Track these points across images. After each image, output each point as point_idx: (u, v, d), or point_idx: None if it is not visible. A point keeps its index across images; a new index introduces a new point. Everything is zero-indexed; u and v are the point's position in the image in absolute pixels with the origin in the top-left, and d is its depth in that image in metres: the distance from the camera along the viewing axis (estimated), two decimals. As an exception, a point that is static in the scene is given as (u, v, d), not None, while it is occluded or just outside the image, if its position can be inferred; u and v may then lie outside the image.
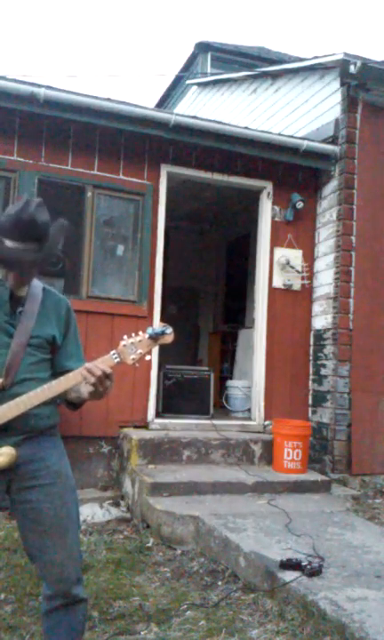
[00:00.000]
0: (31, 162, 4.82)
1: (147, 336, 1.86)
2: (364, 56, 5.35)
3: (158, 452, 4.65)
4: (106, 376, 1.83)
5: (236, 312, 7.94)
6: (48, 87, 4.56)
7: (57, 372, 2.02)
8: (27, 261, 1.89)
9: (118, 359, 1.86)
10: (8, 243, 1.86)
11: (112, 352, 1.87)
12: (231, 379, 6.55)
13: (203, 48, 9.33)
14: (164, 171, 5.26)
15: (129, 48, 38.93)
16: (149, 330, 1.87)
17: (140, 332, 1.88)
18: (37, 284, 2.08)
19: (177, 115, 5.09)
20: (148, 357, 1.88)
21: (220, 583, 3.16)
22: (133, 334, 1.88)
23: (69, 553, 1.95)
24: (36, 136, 4.84)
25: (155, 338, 1.86)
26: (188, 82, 9.49)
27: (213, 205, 7.49)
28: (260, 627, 2.65)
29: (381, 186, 5.48)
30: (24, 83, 4.56)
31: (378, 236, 5.44)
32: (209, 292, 9.01)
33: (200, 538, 3.63)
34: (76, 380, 1.85)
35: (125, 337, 1.89)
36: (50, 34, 39.22)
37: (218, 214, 8.07)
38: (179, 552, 3.61)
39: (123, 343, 1.88)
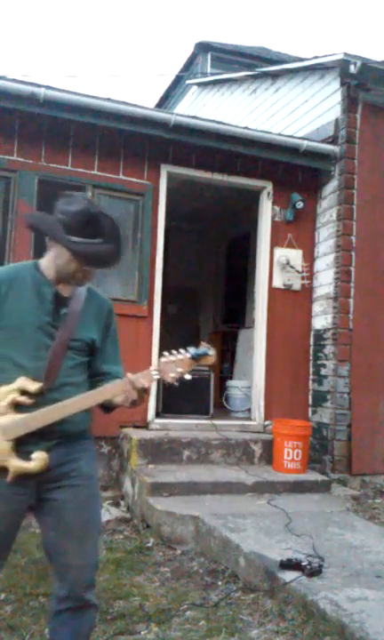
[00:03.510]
0: (31, 162, 4.82)
1: (189, 356, 1.83)
2: (364, 56, 5.35)
3: (158, 451, 4.65)
4: (144, 390, 1.84)
5: (236, 312, 7.94)
6: (48, 87, 4.56)
7: (94, 375, 2.00)
8: (109, 257, 1.87)
9: (158, 376, 1.84)
10: (78, 239, 1.81)
11: (152, 368, 1.84)
12: (231, 379, 6.55)
13: (203, 48, 9.33)
14: (164, 171, 5.26)
15: (129, 48, 38.93)
16: (192, 350, 1.84)
17: (182, 351, 1.85)
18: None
19: (177, 115, 5.09)
20: (187, 377, 1.84)
21: (219, 583, 3.16)
22: (175, 352, 1.85)
23: (88, 558, 1.93)
24: (36, 136, 4.84)
25: (196, 358, 1.84)
26: (187, 82, 9.49)
27: (213, 205, 7.48)
28: (259, 627, 2.65)
29: (381, 186, 5.48)
30: (24, 83, 4.56)
31: (378, 235, 5.44)
32: (209, 292, 9.01)
33: (200, 538, 3.63)
34: (115, 392, 1.84)
35: (166, 353, 1.85)
36: (50, 34, 39.21)
37: (218, 214, 8.07)
38: (179, 552, 3.61)
39: (163, 360, 1.85)
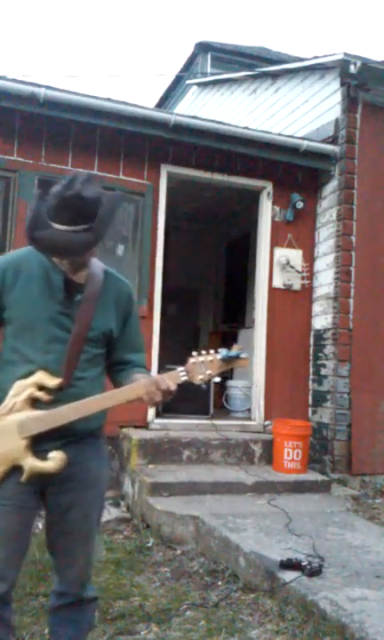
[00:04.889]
0: (31, 162, 4.82)
1: (219, 357, 1.73)
2: (364, 56, 5.35)
3: (158, 451, 4.65)
4: (169, 392, 1.72)
5: (236, 312, 7.94)
6: (48, 87, 4.56)
7: (115, 363, 1.91)
8: (77, 246, 1.68)
9: (186, 377, 1.74)
10: (56, 226, 1.66)
11: (180, 369, 1.74)
12: (231, 378, 6.55)
13: (203, 48, 9.34)
14: (164, 171, 5.26)
15: (129, 48, 38.94)
16: (223, 352, 1.74)
17: (212, 352, 1.75)
18: (98, 267, 1.89)
19: (177, 115, 5.09)
20: (216, 379, 1.78)
21: (220, 583, 3.16)
22: (204, 352, 1.75)
23: (89, 558, 1.93)
24: (36, 136, 4.84)
25: (227, 361, 1.73)
26: (187, 82, 9.49)
27: (213, 205, 7.49)
28: (259, 627, 2.65)
29: (381, 186, 5.48)
30: (24, 83, 4.56)
31: (378, 235, 5.44)
32: (209, 292, 9.01)
33: (200, 538, 3.63)
34: (139, 392, 1.72)
35: (195, 353, 1.75)
36: (50, 34, 39.21)
37: (218, 214, 8.07)
38: (179, 552, 3.61)
39: (192, 360, 1.74)
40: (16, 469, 1.72)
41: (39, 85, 4.54)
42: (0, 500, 1.75)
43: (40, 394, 1.72)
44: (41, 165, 4.84)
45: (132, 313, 1.95)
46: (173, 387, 1.72)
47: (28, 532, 1.83)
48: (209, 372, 1.73)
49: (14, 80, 4.54)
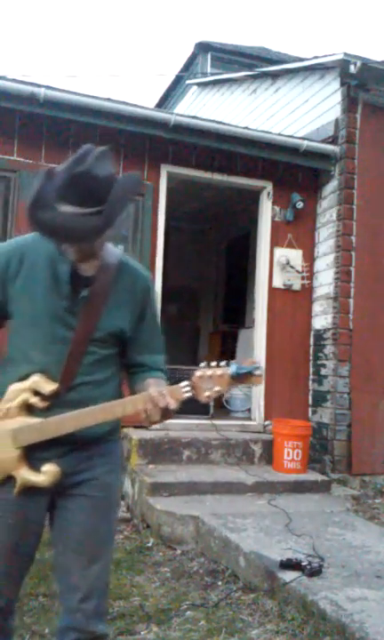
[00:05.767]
0: (31, 162, 4.81)
1: (229, 373, 1.51)
2: (364, 56, 5.35)
3: (158, 451, 4.65)
4: (168, 412, 1.51)
5: (236, 312, 7.94)
6: (48, 87, 4.57)
7: (129, 365, 1.71)
8: (85, 231, 1.47)
9: (190, 394, 1.52)
10: (63, 208, 1.46)
11: (184, 383, 1.53)
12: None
13: (203, 48, 9.34)
14: (164, 171, 5.25)
15: (129, 48, 38.94)
16: (233, 367, 1.51)
17: (223, 364, 1.53)
18: (112, 256, 1.65)
19: (177, 115, 5.09)
20: (226, 395, 1.64)
21: (219, 583, 3.16)
22: (214, 365, 1.53)
23: (96, 581, 1.63)
24: (36, 136, 4.84)
25: (238, 378, 1.51)
26: (188, 82, 9.49)
27: (213, 205, 7.49)
28: (259, 627, 2.65)
29: (381, 186, 5.48)
30: (24, 83, 4.56)
31: (378, 235, 5.44)
32: (209, 292, 9.01)
33: (200, 538, 3.63)
34: (138, 407, 1.52)
35: (203, 365, 1.54)
36: (50, 34, 39.21)
37: (218, 214, 8.07)
38: (179, 552, 3.61)
39: (198, 374, 1.52)
40: (12, 480, 1.59)
41: (39, 85, 4.54)
42: (8, 511, 1.60)
43: (35, 400, 1.55)
44: (41, 165, 4.83)
45: (147, 309, 1.71)
46: (173, 405, 1.50)
47: (31, 545, 1.64)
48: (217, 388, 1.51)
49: (14, 80, 4.54)
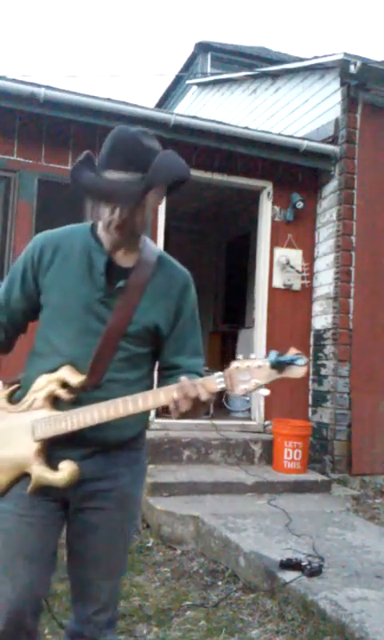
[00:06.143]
0: (31, 162, 4.82)
1: (269, 363, 1.36)
2: (364, 56, 5.35)
3: (158, 451, 4.65)
4: (200, 402, 1.38)
5: (236, 312, 7.95)
6: (48, 87, 4.57)
7: (163, 368, 1.62)
8: (125, 193, 1.43)
9: (223, 385, 1.39)
10: (107, 174, 1.45)
11: (218, 374, 1.40)
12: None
13: (203, 48, 9.34)
14: (164, 171, 5.25)
15: (129, 48, 38.93)
16: (273, 355, 1.36)
17: (260, 355, 1.40)
18: (151, 251, 1.60)
19: (177, 115, 5.09)
20: (264, 392, 1.38)
21: (220, 583, 3.16)
22: (252, 356, 1.41)
23: (112, 594, 1.61)
24: (36, 136, 4.84)
25: (279, 367, 1.36)
26: (187, 82, 9.49)
27: (213, 205, 7.49)
28: (259, 627, 2.65)
29: (381, 186, 5.48)
30: (24, 83, 4.56)
31: (378, 235, 5.44)
32: (209, 292, 9.01)
33: (200, 538, 3.63)
34: (164, 401, 1.41)
35: (241, 357, 1.41)
36: (50, 34, 39.21)
37: (218, 214, 8.07)
38: (179, 552, 3.61)
39: (235, 365, 1.39)
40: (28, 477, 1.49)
41: (39, 85, 4.54)
42: (18, 512, 1.49)
43: (61, 392, 1.47)
44: (41, 165, 4.84)
45: (185, 308, 1.62)
46: (205, 395, 1.37)
47: (53, 549, 1.55)
48: (255, 380, 1.36)
49: (14, 80, 4.54)
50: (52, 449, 1.47)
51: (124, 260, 1.55)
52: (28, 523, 1.49)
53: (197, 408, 1.40)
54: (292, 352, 1.36)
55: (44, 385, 1.49)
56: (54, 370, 1.49)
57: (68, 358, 1.49)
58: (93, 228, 1.59)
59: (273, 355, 1.36)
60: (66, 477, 1.45)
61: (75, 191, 1.51)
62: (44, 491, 1.47)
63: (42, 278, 1.55)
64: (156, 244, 5.38)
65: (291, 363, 1.35)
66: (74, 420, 1.43)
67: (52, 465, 1.46)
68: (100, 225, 1.55)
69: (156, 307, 1.55)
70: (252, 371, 1.37)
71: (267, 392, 1.38)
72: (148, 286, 1.54)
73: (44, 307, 1.57)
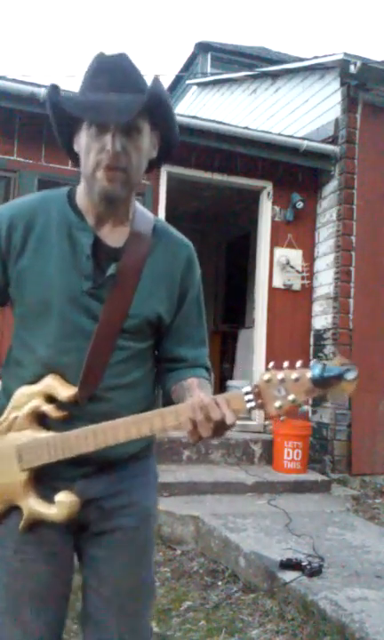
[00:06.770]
0: (31, 162, 4.82)
1: (309, 377, 1.04)
2: (364, 56, 5.36)
3: (158, 451, 4.61)
4: (223, 426, 1.08)
5: (236, 312, 7.95)
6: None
7: (164, 359, 1.34)
8: (124, 105, 1.12)
9: (254, 403, 1.08)
10: (90, 95, 1.17)
11: (247, 389, 1.09)
12: (231, 379, 6.55)
13: (203, 48, 9.34)
14: (164, 171, 5.25)
15: (129, 48, 39.00)
16: (316, 368, 1.03)
17: (298, 365, 1.08)
18: (145, 221, 1.28)
19: (177, 115, 5.08)
20: (304, 408, 1.09)
21: (220, 583, 3.16)
22: (287, 365, 1.09)
23: (138, 638, 1.29)
24: (36, 136, 4.84)
25: (323, 383, 1.04)
26: (187, 82, 9.49)
27: (213, 205, 7.49)
28: (259, 627, 2.65)
29: (381, 186, 5.48)
30: (24, 83, 4.56)
31: (378, 235, 5.44)
32: (209, 292, 8.99)
33: (200, 538, 3.63)
34: (181, 418, 1.11)
35: (271, 366, 1.10)
36: (50, 34, 39.24)
37: (218, 214, 8.07)
38: (179, 552, 3.61)
39: (266, 377, 1.08)
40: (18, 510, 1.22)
41: (39, 85, 4.54)
42: (21, 550, 1.23)
43: (48, 408, 1.19)
44: (41, 165, 4.84)
45: (190, 289, 1.31)
46: (231, 418, 1.07)
47: (64, 586, 1.28)
48: (292, 396, 1.06)
49: (14, 80, 4.54)
50: (47, 468, 1.19)
51: (112, 236, 1.24)
52: (33, 560, 1.23)
53: (220, 431, 1.09)
54: (337, 361, 1.05)
55: (25, 400, 1.20)
56: (36, 381, 1.21)
57: (53, 367, 1.19)
58: (71, 196, 1.27)
59: (317, 368, 1.03)
60: (63, 512, 1.18)
61: (54, 115, 1.25)
62: (46, 524, 1.21)
63: (12, 266, 1.21)
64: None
65: (338, 378, 1.03)
66: (63, 449, 1.16)
67: (47, 494, 1.19)
68: (81, 185, 1.26)
69: (157, 292, 1.25)
70: (288, 384, 1.07)
71: (306, 408, 1.12)
72: (145, 268, 1.23)
73: (17, 303, 1.24)
